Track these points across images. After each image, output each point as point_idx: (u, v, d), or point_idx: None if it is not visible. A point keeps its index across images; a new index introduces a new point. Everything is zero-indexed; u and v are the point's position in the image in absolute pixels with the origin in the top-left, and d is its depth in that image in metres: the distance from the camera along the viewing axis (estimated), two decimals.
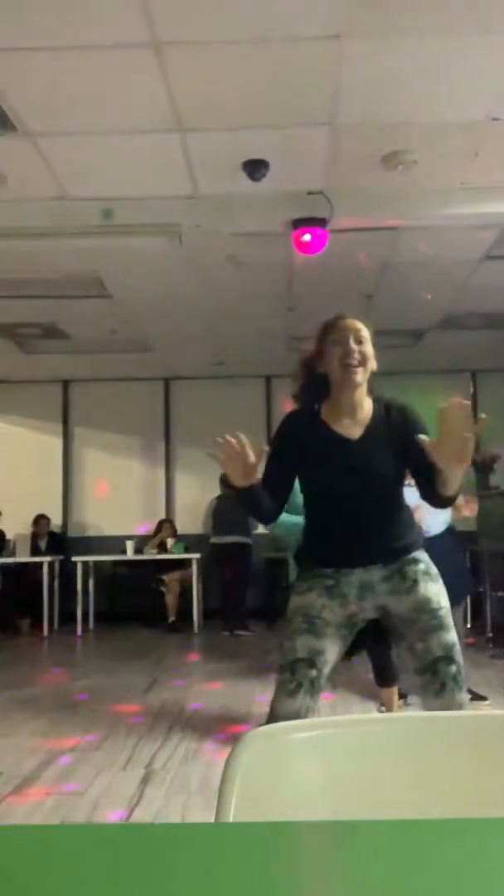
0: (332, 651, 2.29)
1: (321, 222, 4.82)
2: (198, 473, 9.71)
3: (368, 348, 2.40)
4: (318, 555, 2.41)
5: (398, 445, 2.32)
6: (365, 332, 2.41)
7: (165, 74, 3.63)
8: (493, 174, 4.60)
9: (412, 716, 1.22)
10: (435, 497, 2.27)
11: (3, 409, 9.72)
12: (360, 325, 2.42)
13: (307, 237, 4.86)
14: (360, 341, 2.38)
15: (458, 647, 2.26)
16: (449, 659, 2.23)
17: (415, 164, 4.42)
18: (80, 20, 3.25)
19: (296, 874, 0.61)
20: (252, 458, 2.20)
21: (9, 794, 3.23)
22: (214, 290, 6.45)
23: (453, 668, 2.22)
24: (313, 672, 2.23)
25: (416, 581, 2.31)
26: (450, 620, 2.28)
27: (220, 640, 7.60)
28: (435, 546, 2.77)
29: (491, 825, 0.72)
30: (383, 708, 4.21)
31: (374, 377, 2.44)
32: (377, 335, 2.45)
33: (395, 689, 4.05)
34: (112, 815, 2.97)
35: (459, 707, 2.21)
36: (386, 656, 3.99)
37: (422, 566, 2.35)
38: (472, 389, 9.74)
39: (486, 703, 4.47)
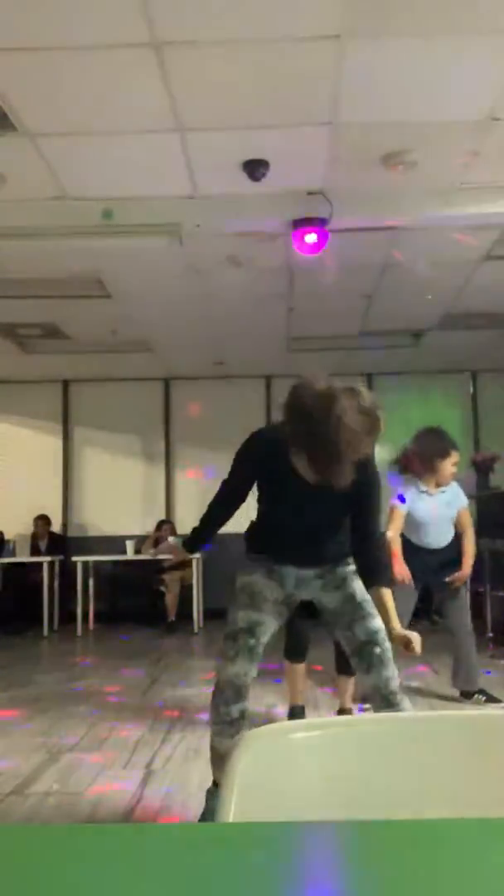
0: (270, 623, 2.66)
1: (321, 222, 4.81)
2: (198, 473, 9.72)
3: None
4: (261, 548, 2.70)
5: (352, 495, 2.45)
6: None
7: (165, 74, 3.63)
8: (493, 174, 4.60)
9: (412, 716, 1.22)
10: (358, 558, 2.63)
11: (3, 409, 9.72)
12: None
13: (310, 237, 4.86)
14: None
15: (382, 633, 2.56)
16: (372, 643, 2.56)
17: (415, 164, 4.42)
18: (80, 20, 3.25)
19: (296, 874, 0.61)
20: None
21: (9, 793, 3.23)
22: (214, 290, 6.45)
23: (377, 650, 2.55)
24: (252, 640, 2.60)
25: (344, 579, 2.65)
26: (372, 609, 2.58)
27: (220, 641, 7.59)
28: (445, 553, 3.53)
29: (491, 825, 0.72)
30: (367, 706, 4.26)
31: (370, 380, 2.56)
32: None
33: (351, 679, 4.11)
34: (112, 814, 2.97)
35: (387, 681, 2.53)
36: None
37: (351, 567, 2.64)
38: (471, 389, 9.75)
39: (502, 705, 4.45)
